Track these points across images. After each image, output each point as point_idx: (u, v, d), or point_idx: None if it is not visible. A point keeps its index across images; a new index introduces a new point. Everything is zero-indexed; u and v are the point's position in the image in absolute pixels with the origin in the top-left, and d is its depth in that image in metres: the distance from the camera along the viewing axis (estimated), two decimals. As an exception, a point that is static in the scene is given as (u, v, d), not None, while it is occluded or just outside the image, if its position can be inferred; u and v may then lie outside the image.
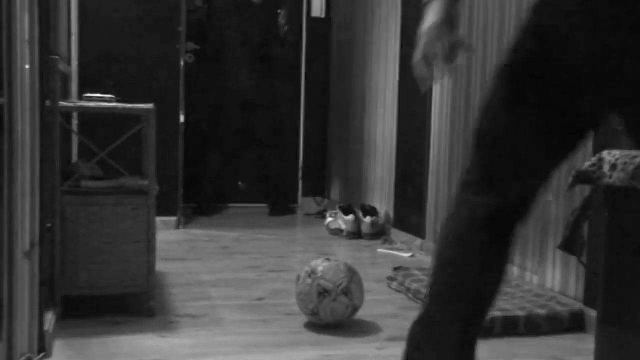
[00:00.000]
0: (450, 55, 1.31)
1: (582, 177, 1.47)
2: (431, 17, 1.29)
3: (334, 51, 5.11)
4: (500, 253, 1.30)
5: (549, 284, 2.59)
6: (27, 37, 1.70)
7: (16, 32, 1.61)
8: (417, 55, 1.32)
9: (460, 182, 1.36)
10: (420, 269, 2.93)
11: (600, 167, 1.41)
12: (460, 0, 1.33)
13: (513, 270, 2.82)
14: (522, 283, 2.69)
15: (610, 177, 1.37)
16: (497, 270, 1.31)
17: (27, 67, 1.71)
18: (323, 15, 5.08)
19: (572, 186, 1.55)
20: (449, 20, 1.30)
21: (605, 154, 1.42)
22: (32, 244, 1.77)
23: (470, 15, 3.16)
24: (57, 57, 2.15)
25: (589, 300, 2.34)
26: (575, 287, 2.44)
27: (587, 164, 1.47)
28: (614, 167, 1.37)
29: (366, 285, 2.36)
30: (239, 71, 4.58)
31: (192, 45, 4.60)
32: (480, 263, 1.30)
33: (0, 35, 1.57)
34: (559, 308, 2.35)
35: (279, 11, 4.84)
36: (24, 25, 1.68)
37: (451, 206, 1.39)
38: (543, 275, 2.63)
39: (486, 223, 1.28)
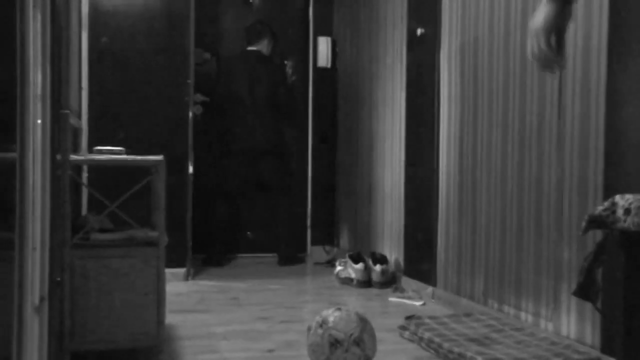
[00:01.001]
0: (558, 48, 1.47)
1: (595, 222, 1.45)
2: (543, 13, 1.46)
3: (341, 100, 5.16)
4: None
5: (564, 332, 2.54)
6: (39, 92, 1.72)
7: (29, 88, 1.63)
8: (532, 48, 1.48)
9: None
10: (432, 318, 2.88)
11: (614, 212, 1.40)
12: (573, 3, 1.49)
13: (527, 318, 2.77)
14: (536, 331, 2.65)
15: (625, 221, 1.36)
16: None
17: (39, 121, 1.73)
18: (329, 65, 5.14)
19: (585, 231, 1.53)
20: (560, 17, 1.45)
21: (618, 198, 1.41)
22: (41, 298, 1.76)
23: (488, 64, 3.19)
24: (68, 112, 2.17)
25: (606, 348, 2.29)
26: (591, 334, 2.39)
27: (600, 208, 1.46)
28: (627, 211, 1.36)
29: (378, 334, 2.33)
30: (247, 121, 4.62)
31: (200, 97, 4.66)
32: None
33: (14, 91, 1.59)
34: (575, 356, 2.31)
35: (285, 62, 4.92)
36: (37, 80, 1.70)
37: None
38: (558, 322, 2.58)
39: None
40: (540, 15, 1.46)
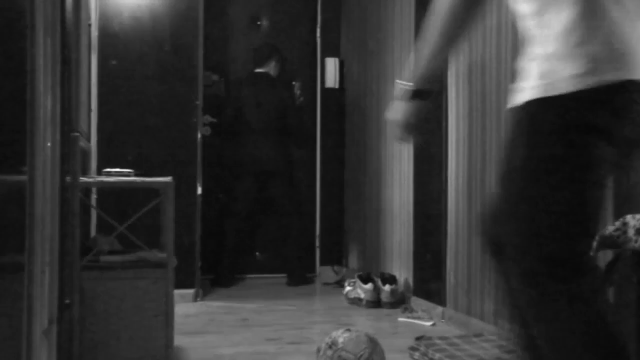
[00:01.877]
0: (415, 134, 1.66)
1: (606, 242, 1.44)
2: (398, 113, 1.63)
3: (348, 120, 5.17)
4: None
5: (576, 352, 2.51)
6: (49, 115, 1.73)
7: (39, 112, 1.65)
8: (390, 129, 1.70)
9: None
10: (442, 338, 2.86)
11: (625, 232, 1.39)
12: (427, 105, 1.62)
13: (538, 338, 2.75)
14: (548, 351, 2.62)
15: (636, 241, 1.35)
16: None
17: (49, 144, 1.74)
18: (337, 86, 5.16)
19: (597, 251, 1.52)
20: (414, 120, 1.61)
21: (629, 218, 1.40)
22: (50, 321, 1.76)
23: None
24: (77, 134, 2.19)
25: (619, 368, 2.26)
26: (604, 354, 2.36)
27: (611, 228, 1.45)
28: (638, 231, 1.35)
29: (388, 356, 2.31)
30: (255, 141, 4.63)
31: (209, 118, 4.68)
32: None
33: (25, 115, 1.61)
34: (588, 377, 2.28)
35: (293, 83, 4.94)
36: (47, 104, 1.72)
37: None
38: (570, 343, 2.55)
39: None
40: (397, 110, 1.62)
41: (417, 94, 1.59)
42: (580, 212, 1.32)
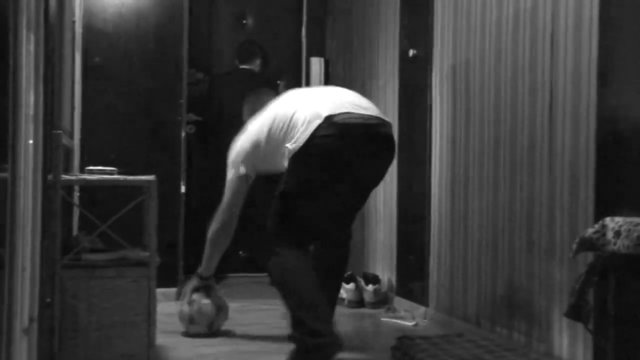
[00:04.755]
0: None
1: (586, 244, 1.46)
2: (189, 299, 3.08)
3: (333, 120, 5.17)
4: None
5: (556, 352, 2.54)
6: (31, 112, 1.72)
7: (21, 108, 1.64)
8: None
9: None
10: (424, 338, 2.87)
11: (604, 234, 1.41)
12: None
13: (519, 338, 2.77)
14: (528, 351, 2.64)
15: (615, 244, 1.37)
16: None
17: (31, 141, 1.73)
18: (322, 86, 5.17)
19: (576, 253, 1.54)
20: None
21: (608, 220, 1.42)
22: (30, 320, 1.75)
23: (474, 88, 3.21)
24: (60, 132, 2.18)
25: (598, 369, 2.29)
26: (583, 354, 2.39)
27: (590, 230, 1.47)
28: (617, 233, 1.37)
29: (370, 355, 2.32)
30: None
31: (193, 117, 4.67)
32: None
33: (6, 111, 1.59)
34: (568, 377, 2.30)
35: (278, 82, 4.93)
36: (29, 101, 1.70)
37: None
38: (550, 343, 2.58)
39: None
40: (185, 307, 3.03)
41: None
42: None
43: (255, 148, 2.79)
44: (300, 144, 2.49)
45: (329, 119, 2.48)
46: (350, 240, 2.93)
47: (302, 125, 2.51)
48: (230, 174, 2.97)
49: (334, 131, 2.47)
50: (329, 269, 2.78)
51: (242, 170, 2.92)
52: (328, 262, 2.79)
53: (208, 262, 3.07)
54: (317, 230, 2.70)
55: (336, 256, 2.84)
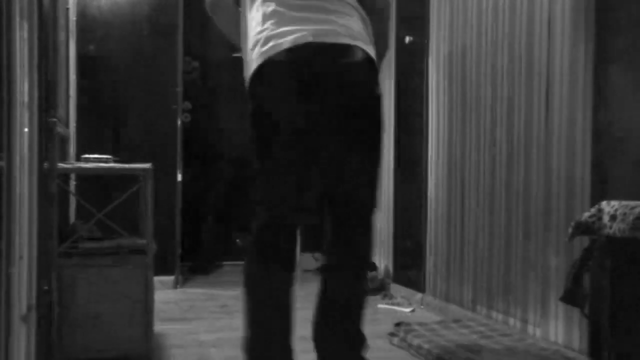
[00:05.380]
0: None
1: (581, 228, 1.47)
2: None
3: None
4: None
5: (552, 337, 2.56)
6: (26, 100, 1.71)
7: (16, 96, 1.63)
8: None
9: None
10: (421, 324, 2.89)
11: (600, 218, 1.42)
12: None
13: (515, 324, 2.78)
14: (524, 336, 2.66)
15: (611, 227, 1.37)
16: None
17: (26, 130, 1.72)
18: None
19: (572, 237, 1.55)
20: None
21: (604, 204, 1.43)
22: (29, 308, 1.75)
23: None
24: (55, 120, 2.17)
25: (594, 353, 2.30)
26: (579, 339, 2.41)
27: (586, 214, 1.47)
28: (613, 217, 1.37)
29: (368, 341, 2.33)
30: (232, 128, 4.62)
31: (188, 105, 4.65)
32: None
33: (1, 100, 1.59)
34: (564, 361, 2.32)
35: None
36: (24, 88, 1.70)
37: None
38: (546, 328, 2.60)
39: None
40: None
41: None
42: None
43: None
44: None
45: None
46: (366, 270, 2.22)
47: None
48: None
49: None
50: (333, 308, 2.12)
51: None
52: (332, 299, 2.11)
53: (230, 37, 2.43)
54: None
55: (340, 290, 2.09)
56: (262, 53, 1.86)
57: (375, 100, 1.91)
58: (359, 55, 1.83)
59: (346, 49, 1.81)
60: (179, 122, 4.10)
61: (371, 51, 1.89)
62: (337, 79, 1.81)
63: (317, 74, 1.79)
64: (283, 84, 1.83)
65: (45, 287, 2.08)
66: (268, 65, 1.83)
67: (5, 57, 1.58)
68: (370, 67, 1.87)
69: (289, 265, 1.99)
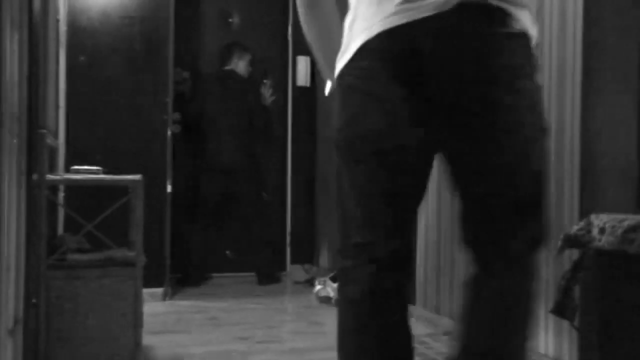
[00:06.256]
0: None
1: (571, 241, 1.47)
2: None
3: (320, 118, 5.17)
4: None
5: (542, 349, 2.56)
6: (15, 111, 1.71)
7: (5, 108, 1.62)
8: None
9: None
10: (411, 336, 2.88)
11: (589, 231, 1.42)
12: None
13: (506, 336, 2.78)
14: (515, 348, 2.65)
15: (600, 240, 1.38)
16: None
17: (15, 141, 1.72)
18: (308, 84, 5.17)
19: (561, 250, 1.55)
20: None
21: (593, 217, 1.43)
22: (15, 321, 1.73)
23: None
24: (44, 131, 2.16)
25: (583, 365, 2.30)
26: (569, 352, 2.41)
27: (576, 227, 1.48)
28: (602, 230, 1.38)
29: (358, 354, 2.32)
30: (223, 140, 4.61)
31: (178, 116, 4.65)
32: None
33: (-11, 110, 1.58)
34: (554, 374, 2.32)
35: (264, 81, 4.92)
36: (13, 100, 1.69)
37: None
38: (536, 340, 2.60)
39: None
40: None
41: None
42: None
43: None
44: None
45: None
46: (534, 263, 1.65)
47: None
48: None
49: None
50: (492, 316, 1.58)
51: None
52: (489, 304, 1.58)
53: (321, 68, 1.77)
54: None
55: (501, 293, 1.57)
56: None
57: None
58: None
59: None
60: (169, 133, 4.09)
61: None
62: None
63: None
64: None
65: (33, 300, 2.06)
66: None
67: (-5, 68, 1.57)
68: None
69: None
